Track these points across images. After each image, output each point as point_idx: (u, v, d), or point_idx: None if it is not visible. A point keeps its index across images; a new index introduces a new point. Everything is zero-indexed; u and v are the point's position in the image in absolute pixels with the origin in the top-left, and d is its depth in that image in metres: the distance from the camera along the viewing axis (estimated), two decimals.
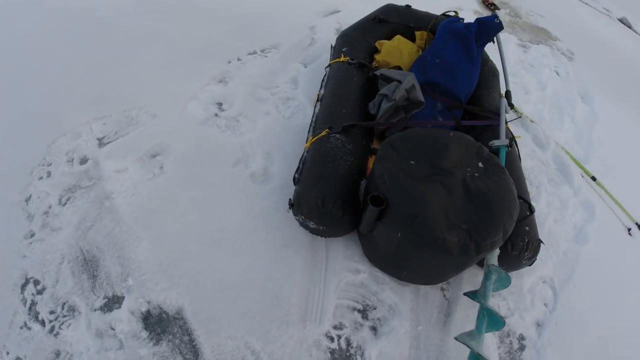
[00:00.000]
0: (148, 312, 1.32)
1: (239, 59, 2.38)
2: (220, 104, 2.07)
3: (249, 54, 2.45)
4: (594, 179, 2.14)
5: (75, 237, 1.45)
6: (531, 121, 2.35)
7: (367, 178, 1.44)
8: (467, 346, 1.20)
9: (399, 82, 1.67)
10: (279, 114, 2.05)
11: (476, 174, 1.31)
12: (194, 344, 1.27)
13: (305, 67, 2.39)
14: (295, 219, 1.50)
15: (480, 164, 1.36)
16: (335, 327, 1.37)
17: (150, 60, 2.22)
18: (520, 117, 2.29)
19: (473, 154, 1.38)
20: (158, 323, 1.30)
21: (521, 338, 1.50)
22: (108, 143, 1.75)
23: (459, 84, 1.85)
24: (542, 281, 1.66)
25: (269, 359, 1.26)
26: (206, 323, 1.30)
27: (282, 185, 1.69)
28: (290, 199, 1.46)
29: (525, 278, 1.63)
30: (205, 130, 1.90)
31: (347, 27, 2.28)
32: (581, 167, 2.18)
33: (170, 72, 2.17)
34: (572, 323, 1.57)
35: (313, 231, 1.50)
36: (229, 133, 1.92)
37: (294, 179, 1.51)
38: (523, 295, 1.59)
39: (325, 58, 2.44)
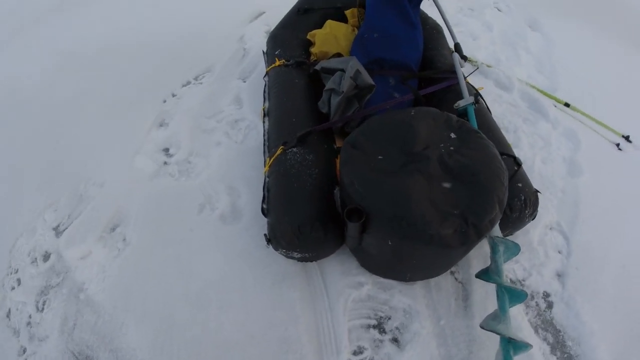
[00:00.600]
0: None
1: (174, 95, 2.22)
2: (166, 150, 1.91)
3: (183, 85, 2.28)
4: (567, 105, 2.06)
5: (63, 341, 1.33)
6: (488, 66, 2.25)
7: (339, 186, 1.31)
8: (495, 332, 1.10)
9: (343, 70, 1.53)
10: (231, 140, 1.89)
11: (451, 148, 1.20)
12: None
13: (245, 81, 2.23)
14: (278, 252, 1.37)
15: (452, 135, 1.24)
16: (355, 353, 1.26)
17: (85, 126, 2.04)
18: (477, 67, 2.18)
19: (442, 127, 1.26)
20: None
21: (546, 295, 1.41)
22: (64, 230, 1.61)
23: (405, 52, 1.73)
24: (550, 229, 1.57)
25: None
26: None
27: (255, 217, 1.55)
28: (265, 234, 1.33)
29: (531, 232, 1.54)
30: (158, 184, 1.74)
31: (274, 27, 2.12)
32: (551, 97, 2.10)
33: (108, 132, 1.99)
34: (592, 261, 1.49)
35: (300, 260, 1.37)
36: (184, 179, 1.77)
37: (263, 210, 1.37)
38: (534, 250, 1.50)
39: (261, 69, 2.28)
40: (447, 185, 1.11)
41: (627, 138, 1.97)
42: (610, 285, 1.43)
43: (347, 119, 1.51)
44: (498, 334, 1.09)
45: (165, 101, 2.16)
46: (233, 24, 2.75)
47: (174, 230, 1.57)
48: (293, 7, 2.08)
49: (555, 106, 2.08)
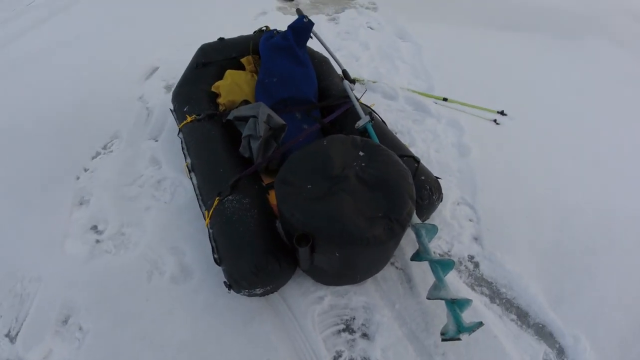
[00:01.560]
0: None
1: (86, 170, 2.12)
2: (95, 227, 1.84)
3: (93, 157, 2.19)
4: (445, 99, 2.47)
5: None
6: (373, 82, 2.60)
7: (280, 219, 1.45)
8: (439, 298, 1.34)
9: (254, 116, 1.69)
10: (159, 202, 1.91)
11: (363, 164, 1.42)
12: None
13: (157, 140, 2.25)
14: (240, 294, 1.46)
15: (360, 153, 1.47)
16: (335, 359, 1.39)
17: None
18: (365, 86, 2.51)
19: (350, 148, 1.49)
20: None
21: (471, 258, 1.71)
22: (17, 334, 1.48)
23: (303, 89, 1.95)
24: (457, 204, 1.90)
25: None
26: None
27: (206, 269, 1.61)
28: (224, 282, 1.41)
29: (443, 211, 1.84)
30: (97, 264, 1.68)
31: (174, 83, 2.17)
32: (430, 96, 2.51)
33: (26, 222, 1.85)
34: (499, 220, 1.81)
35: (263, 294, 1.47)
36: (122, 252, 1.73)
37: (215, 260, 1.45)
38: (450, 224, 1.81)
39: (170, 125, 2.33)
40: (367, 196, 1.33)
41: (501, 112, 2.41)
42: (521, 234, 1.76)
43: (269, 158, 1.67)
44: (442, 299, 1.34)
45: (78, 178, 2.07)
46: (128, 83, 2.72)
47: (130, 305, 1.53)
48: (190, 63, 2.16)
49: (436, 103, 2.49)
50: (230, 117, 1.77)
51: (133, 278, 1.62)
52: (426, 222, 1.58)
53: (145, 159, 2.14)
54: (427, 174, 1.66)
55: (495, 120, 2.37)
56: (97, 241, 1.79)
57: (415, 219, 1.47)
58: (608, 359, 1.41)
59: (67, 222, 1.86)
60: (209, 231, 1.51)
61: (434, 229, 1.47)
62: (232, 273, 1.36)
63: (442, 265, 1.41)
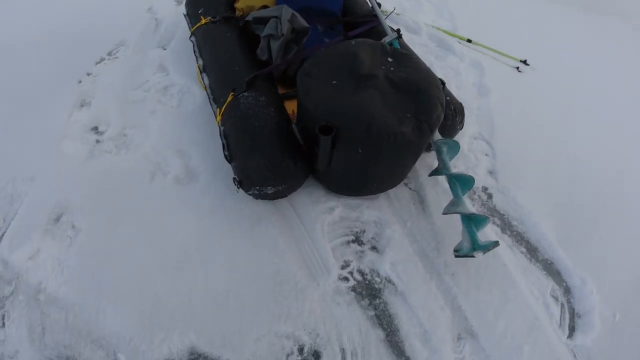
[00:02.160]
0: None
1: (89, 74, 2.00)
2: (95, 128, 1.75)
3: (97, 63, 2.07)
4: (469, 41, 2.37)
5: (36, 351, 1.17)
6: (397, 14, 2.47)
7: (299, 115, 1.37)
8: (457, 213, 1.29)
9: (276, 17, 1.57)
10: (166, 106, 1.81)
11: (392, 69, 1.34)
12: None
13: (165, 49, 2.12)
14: (249, 194, 1.39)
15: (389, 59, 1.38)
16: (343, 267, 1.36)
17: None
18: (392, 11, 2.36)
19: (380, 53, 1.39)
20: None
21: (484, 189, 1.66)
22: (3, 235, 1.39)
23: (328, 1, 1.82)
24: (474, 138, 1.84)
25: (305, 332, 1.21)
26: (227, 343, 1.18)
27: (213, 173, 1.54)
28: (234, 178, 1.34)
29: (461, 142, 1.75)
30: (96, 164, 1.60)
31: None
32: (455, 36, 2.40)
33: (24, 126, 1.73)
34: (514, 158, 1.77)
35: (272, 196, 1.41)
36: (124, 152, 1.65)
37: (226, 157, 1.37)
38: (466, 156, 1.75)
39: (180, 34, 2.19)
40: (396, 96, 1.25)
41: (524, 62, 2.34)
42: (534, 176, 1.72)
43: (290, 60, 1.57)
44: (459, 213, 1.29)
45: (80, 81, 1.95)
46: None
47: (129, 205, 1.47)
48: None
49: (460, 43, 2.38)
50: (248, 18, 1.65)
51: (134, 178, 1.55)
52: None
53: (153, 66, 2.03)
54: (452, 96, 1.59)
55: (517, 68, 2.31)
56: (97, 141, 1.70)
57: (438, 135, 1.40)
58: (614, 306, 1.39)
59: (65, 124, 1.76)
60: (220, 128, 1.42)
61: (456, 146, 1.40)
62: (245, 167, 1.29)
63: (460, 182, 1.35)
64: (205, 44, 1.71)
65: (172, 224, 1.42)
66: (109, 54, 2.14)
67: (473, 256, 1.27)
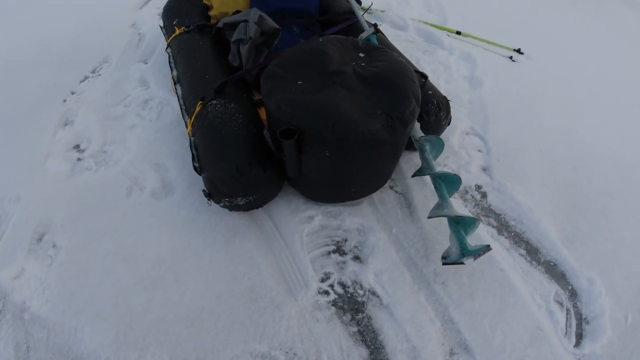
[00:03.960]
0: None
1: (73, 93, 2.01)
2: (77, 146, 1.73)
3: (81, 81, 2.08)
4: (459, 33, 2.27)
5: None
6: (381, 11, 2.39)
7: (268, 124, 1.30)
8: (442, 216, 1.19)
9: (246, 21, 1.52)
10: (145, 120, 1.78)
11: (362, 64, 1.26)
12: None
13: (146, 63, 2.11)
14: (221, 206, 1.33)
15: (361, 54, 1.30)
16: (322, 280, 1.27)
17: None
18: (368, 7, 2.29)
19: (350, 49, 1.32)
20: None
21: (478, 187, 1.55)
22: None
23: (303, 1, 1.76)
24: (466, 134, 1.74)
25: (282, 352, 1.12)
26: None
27: (188, 186, 1.49)
28: (204, 190, 1.28)
29: (451, 138, 1.68)
30: (77, 181, 1.58)
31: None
32: (443, 29, 2.30)
33: (9, 146, 1.75)
34: (510, 152, 1.66)
35: (245, 207, 1.34)
36: (103, 168, 1.62)
37: (195, 168, 1.31)
38: (457, 153, 1.65)
39: (162, 47, 2.18)
40: (366, 92, 1.16)
41: (518, 51, 2.22)
42: (533, 169, 1.61)
43: (260, 65, 1.50)
44: (445, 216, 1.19)
45: (65, 100, 1.96)
46: (123, 12, 2.58)
47: (106, 221, 1.43)
48: None
49: (449, 35, 2.28)
50: (219, 24, 1.60)
51: (111, 194, 1.52)
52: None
53: (134, 80, 2.02)
54: (435, 90, 1.48)
55: (511, 57, 2.20)
56: (79, 159, 1.68)
57: (419, 131, 1.31)
58: (625, 307, 1.26)
59: (49, 143, 1.76)
60: (190, 139, 1.37)
61: (439, 143, 1.31)
62: (213, 179, 1.23)
63: (446, 182, 1.25)
64: (179, 54, 1.67)
65: (147, 239, 1.37)
66: (93, 71, 2.14)
67: (462, 263, 1.16)
